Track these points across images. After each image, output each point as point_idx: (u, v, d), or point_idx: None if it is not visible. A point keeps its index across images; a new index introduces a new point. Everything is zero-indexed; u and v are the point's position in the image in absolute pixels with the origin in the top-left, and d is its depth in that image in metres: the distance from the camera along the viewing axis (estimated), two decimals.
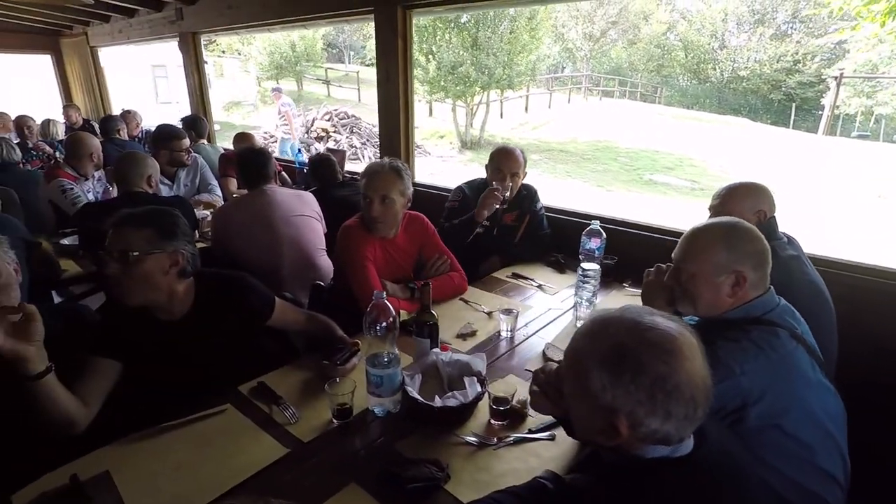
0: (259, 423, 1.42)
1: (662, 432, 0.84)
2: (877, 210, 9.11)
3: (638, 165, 11.60)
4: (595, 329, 0.93)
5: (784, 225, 1.97)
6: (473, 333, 1.94)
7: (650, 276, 1.57)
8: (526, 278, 2.50)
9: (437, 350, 1.60)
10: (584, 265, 2.17)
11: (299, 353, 1.87)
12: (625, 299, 2.28)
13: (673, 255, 1.46)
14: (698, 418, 0.85)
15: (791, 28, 24.79)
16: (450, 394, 1.41)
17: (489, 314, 2.10)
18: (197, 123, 4.52)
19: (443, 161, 12.01)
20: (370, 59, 31.11)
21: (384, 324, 1.40)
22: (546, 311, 2.15)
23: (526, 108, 17.20)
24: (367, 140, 11.84)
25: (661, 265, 1.57)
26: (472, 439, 1.37)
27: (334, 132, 11.59)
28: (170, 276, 1.45)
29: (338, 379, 1.48)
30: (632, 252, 2.48)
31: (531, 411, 1.46)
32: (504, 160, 2.68)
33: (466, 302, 2.22)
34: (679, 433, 0.85)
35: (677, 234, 2.52)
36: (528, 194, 2.81)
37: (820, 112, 22.71)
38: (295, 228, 2.71)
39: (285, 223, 2.68)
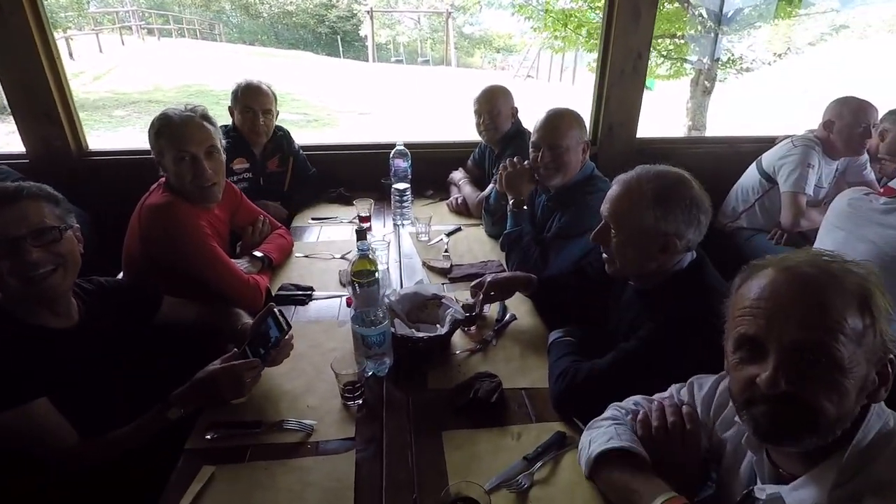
0: (284, 456, 1.10)
1: (693, 240, 1.22)
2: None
3: None
4: (631, 186, 1.22)
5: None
6: None
7: (509, 168, 1.89)
8: (330, 218, 2.41)
9: (385, 293, 1.52)
10: (398, 186, 2.30)
11: None
12: (435, 208, 2.56)
13: (541, 139, 1.80)
14: (706, 226, 1.24)
15: None
16: (450, 312, 1.42)
17: (346, 257, 2.01)
18: None
19: None
20: None
21: (371, 278, 1.26)
22: (383, 237, 2.20)
23: (71, 55, 13.53)
24: None
25: (511, 159, 1.91)
26: (475, 346, 1.46)
27: None
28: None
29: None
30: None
31: (484, 310, 1.62)
32: (254, 97, 2.36)
33: (308, 256, 2.03)
34: (697, 239, 1.24)
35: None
36: (285, 135, 2.59)
37: (357, 43, 26.59)
38: None
39: None
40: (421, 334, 1.37)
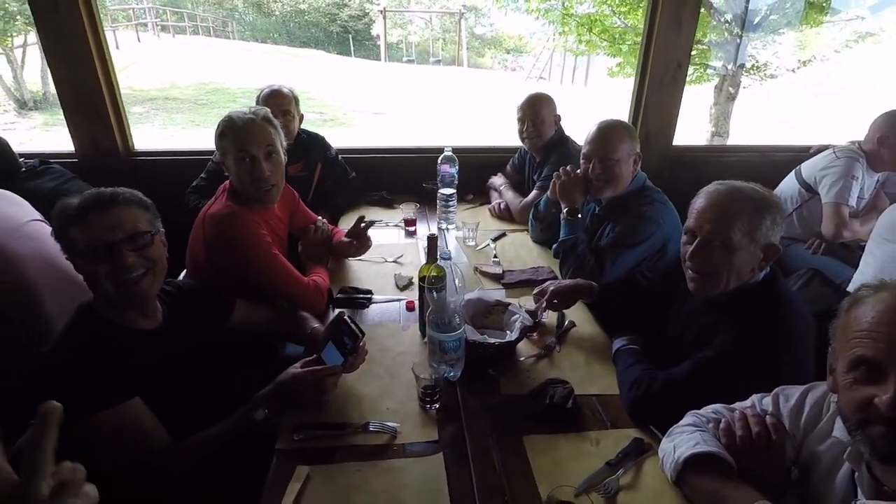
0: (374, 457, 1.14)
1: None
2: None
3: None
4: (735, 198, 1.24)
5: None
6: (411, 282, 1.88)
7: (563, 177, 1.91)
8: (376, 221, 2.44)
9: (451, 300, 1.54)
10: (443, 191, 2.33)
11: None
12: (477, 212, 2.59)
13: (593, 152, 1.83)
14: None
15: None
16: (517, 318, 1.46)
17: (398, 261, 2.04)
18: None
19: (2, 130, 8.54)
20: None
21: (443, 283, 1.30)
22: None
23: None
24: None
25: (564, 168, 1.93)
26: (540, 351, 1.49)
27: None
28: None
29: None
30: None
31: (543, 317, 1.65)
32: (272, 99, 2.38)
33: (361, 260, 2.06)
34: None
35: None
36: (313, 141, 2.61)
37: (369, 42, 26.65)
38: (34, 241, 1.77)
39: (14, 236, 1.72)
40: (493, 340, 1.41)
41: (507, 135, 2.57)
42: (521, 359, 1.47)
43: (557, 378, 1.35)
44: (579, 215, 1.90)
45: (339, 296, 1.78)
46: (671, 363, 1.42)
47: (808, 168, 2.54)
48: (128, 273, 1.17)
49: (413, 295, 1.79)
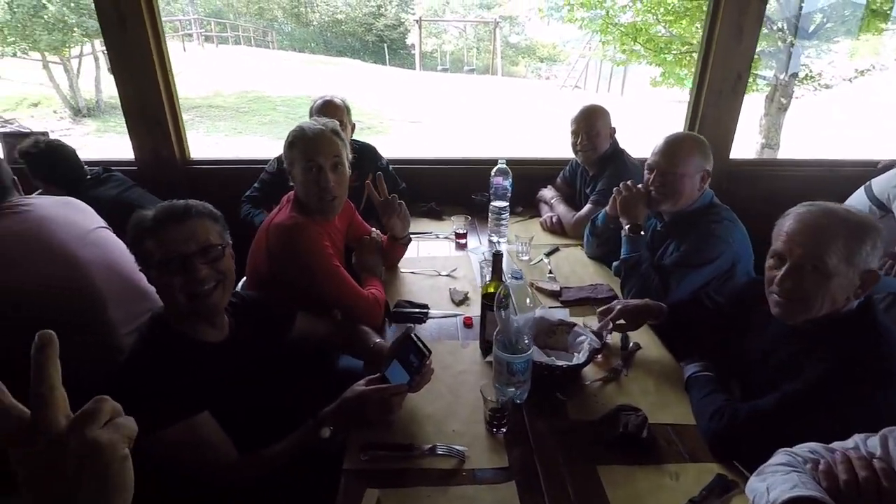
0: (443, 482, 1.10)
1: None
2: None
3: (301, 113, 11.39)
4: (833, 222, 1.16)
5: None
6: (466, 297, 1.85)
7: (624, 192, 1.85)
8: (427, 233, 2.43)
9: (515, 318, 1.50)
10: (496, 203, 2.30)
11: None
12: (527, 225, 2.55)
13: (655, 163, 1.77)
14: None
15: None
16: (585, 340, 1.41)
17: (451, 275, 2.01)
18: None
19: (58, 137, 8.96)
20: None
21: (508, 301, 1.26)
22: (483, 255, 2.20)
23: None
24: None
25: (626, 183, 1.87)
26: (606, 374, 1.44)
27: None
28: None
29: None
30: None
31: (606, 337, 1.58)
32: (325, 110, 2.38)
33: (413, 273, 2.04)
34: None
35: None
36: (365, 151, 2.61)
37: (403, 51, 26.97)
38: (99, 248, 1.82)
39: (81, 244, 1.77)
40: (560, 363, 1.36)
41: (544, 142, 2.52)
42: (587, 382, 1.42)
43: (628, 404, 1.29)
44: (642, 232, 1.83)
45: (395, 309, 1.76)
46: (744, 390, 1.35)
47: (879, 184, 2.40)
48: (201, 285, 1.17)
49: (469, 311, 1.76)
